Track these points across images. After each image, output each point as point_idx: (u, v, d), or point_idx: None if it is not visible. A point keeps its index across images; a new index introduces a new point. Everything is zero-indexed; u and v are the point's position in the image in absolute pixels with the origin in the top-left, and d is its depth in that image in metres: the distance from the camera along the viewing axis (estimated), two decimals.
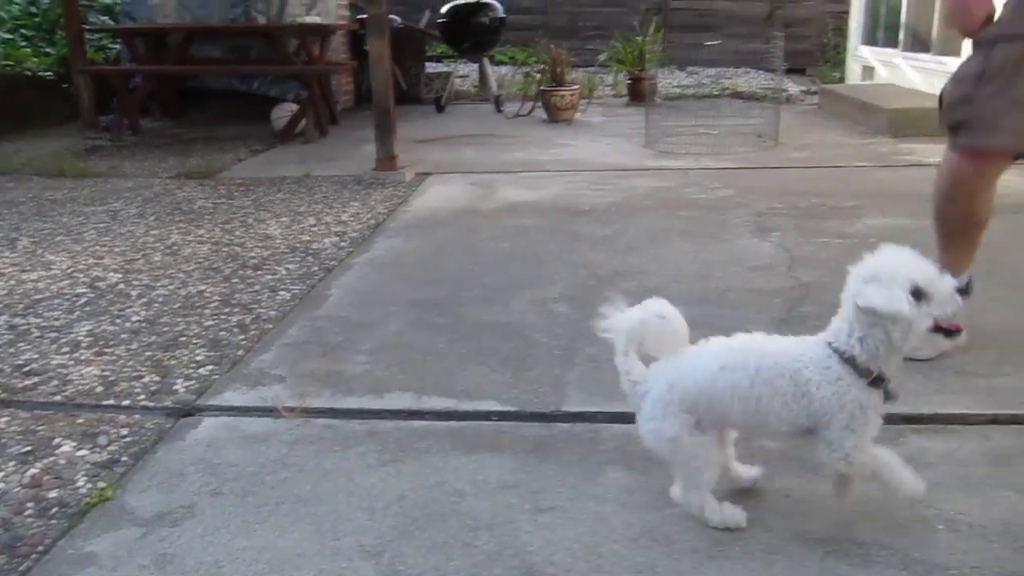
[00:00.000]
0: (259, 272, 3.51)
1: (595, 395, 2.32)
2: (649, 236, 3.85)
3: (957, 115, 2.45)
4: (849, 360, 1.64)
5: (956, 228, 2.60)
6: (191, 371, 2.57)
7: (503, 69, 11.07)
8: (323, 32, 7.29)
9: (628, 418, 2.16)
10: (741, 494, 1.85)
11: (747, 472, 1.88)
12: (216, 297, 3.23)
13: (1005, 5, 2.38)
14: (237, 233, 4.13)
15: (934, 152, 5.71)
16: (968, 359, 2.53)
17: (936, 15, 7.21)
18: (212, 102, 8.46)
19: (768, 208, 4.29)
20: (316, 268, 3.53)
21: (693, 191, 4.75)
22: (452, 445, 2.08)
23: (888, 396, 1.69)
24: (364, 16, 8.08)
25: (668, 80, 10.26)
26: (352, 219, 4.31)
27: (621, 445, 2.07)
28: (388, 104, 5.21)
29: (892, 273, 1.59)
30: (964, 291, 2.64)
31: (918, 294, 1.56)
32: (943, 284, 1.59)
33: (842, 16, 10.23)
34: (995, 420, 2.19)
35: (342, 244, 3.87)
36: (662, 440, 1.71)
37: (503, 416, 2.23)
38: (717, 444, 1.75)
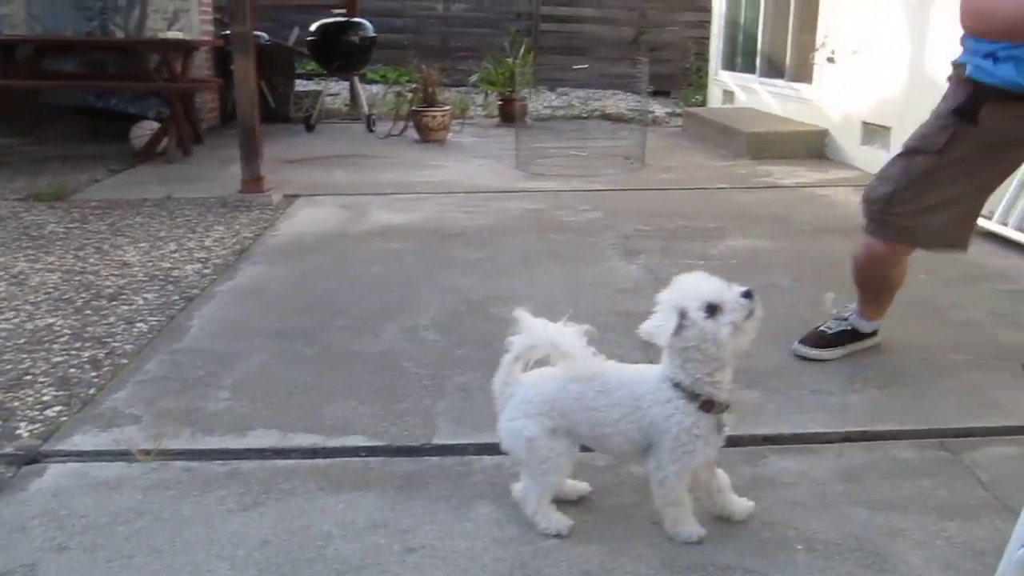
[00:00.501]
0: (114, 303, 3.33)
1: (465, 426, 2.30)
2: (521, 259, 3.87)
3: (875, 211, 2.65)
4: (677, 385, 1.74)
5: (871, 289, 2.84)
6: (36, 413, 2.41)
7: (375, 88, 10.97)
8: (186, 48, 7.04)
9: (498, 449, 2.15)
10: (609, 522, 1.88)
11: (576, 487, 1.98)
12: (66, 330, 3.05)
13: (929, 118, 2.56)
14: (91, 260, 3.92)
15: (790, 174, 6.04)
16: (823, 377, 2.65)
17: (789, 44, 7.60)
18: (67, 119, 8.04)
19: (635, 230, 4.39)
20: (177, 297, 3.38)
21: (564, 213, 4.82)
22: (318, 485, 2.02)
23: (720, 426, 1.79)
24: (229, 32, 7.89)
25: (539, 101, 10.41)
26: (216, 244, 4.16)
27: (491, 478, 2.06)
28: (254, 124, 5.08)
29: (668, 300, 1.71)
30: (871, 334, 2.87)
31: (712, 308, 1.68)
32: (731, 294, 1.72)
33: (703, 42, 10.65)
34: (848, 438, 2.29)
35: (205, 271, 3.72)
36: (520, 439, 1.80)
37: (372, 451, 2.18)
38: (568, 455, 1.83)
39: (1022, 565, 1.40)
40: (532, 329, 1.85)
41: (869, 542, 1.83)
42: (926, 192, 2.52)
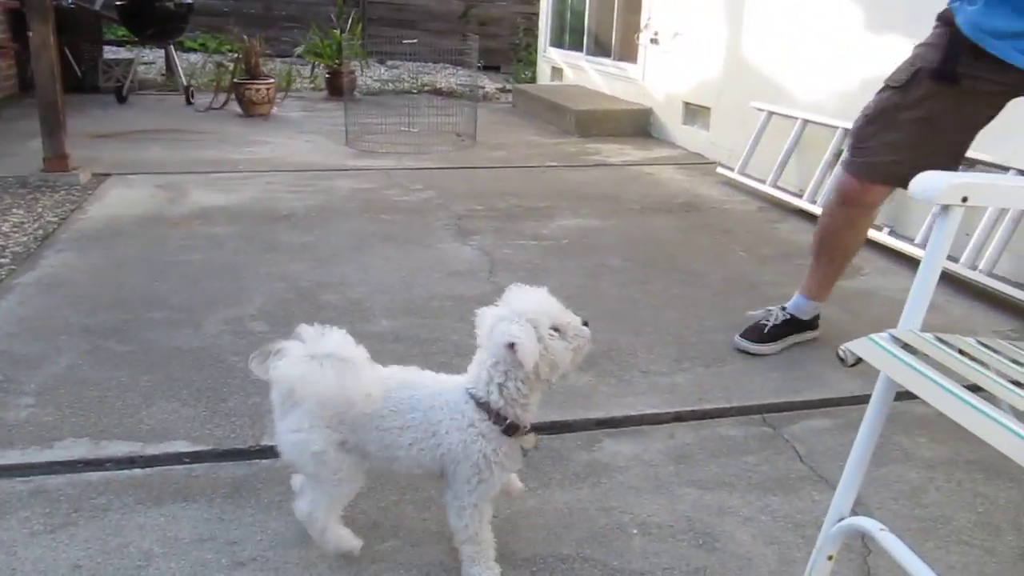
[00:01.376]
0: None
1: None
2: (352, 243, 3.76)
3: (850, 144, 2.62)
4: (483, 406, 1.59)
5: (825, 255, 2.81)
6: None
7: (194, 57, 10.43)
8: None
9: None
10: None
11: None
12: None
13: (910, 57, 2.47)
14: None
15: (617, 152, 6.18)
16: (652, 357, 2.72)
17: (615, 24, 7.76)
18: None
19: (468, 210, 4.37)
20: None
21: (395, 193, 4.73)
22: (136, 498, 1.88)
23: (523, 451, 1.68)
24: None
25: (368, 74, 10.19)
26: (14, 230, 3.80)
27: None
28: (55, 97, 4.67)
29: (518, 312, 1.55)
30: (811, 324, 2.87)
31: (557, 330, 1.56)
32: (573, 319, 1.60)
33: (532, 18, 10.73)
34: (678, 417, 2.36)
35: (1, 261, 3.39)
36: (306, 453, 1.59)
37: (196, 457, 2.05)
38: (361, 466, 1.66)
39: (838, 537, 1.48)
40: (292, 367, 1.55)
41: (700, 522, 1.89)
42: (887, 128, 2.47)
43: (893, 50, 4.14)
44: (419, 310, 3.01)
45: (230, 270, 3.36)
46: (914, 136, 2.43)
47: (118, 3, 7.90)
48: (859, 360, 1.38)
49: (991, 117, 2.42)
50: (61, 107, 4.71)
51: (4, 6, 7.41)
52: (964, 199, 1.39)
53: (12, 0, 7.52)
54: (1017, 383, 1.33)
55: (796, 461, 2.16)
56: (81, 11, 8.40)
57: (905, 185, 1.51)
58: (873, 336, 1.39)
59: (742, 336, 2.82)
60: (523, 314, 1.55)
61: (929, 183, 1.40)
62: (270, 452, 2.07)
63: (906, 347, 1.39)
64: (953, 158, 2.47)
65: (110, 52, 9.43)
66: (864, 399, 2.43)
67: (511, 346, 1.52)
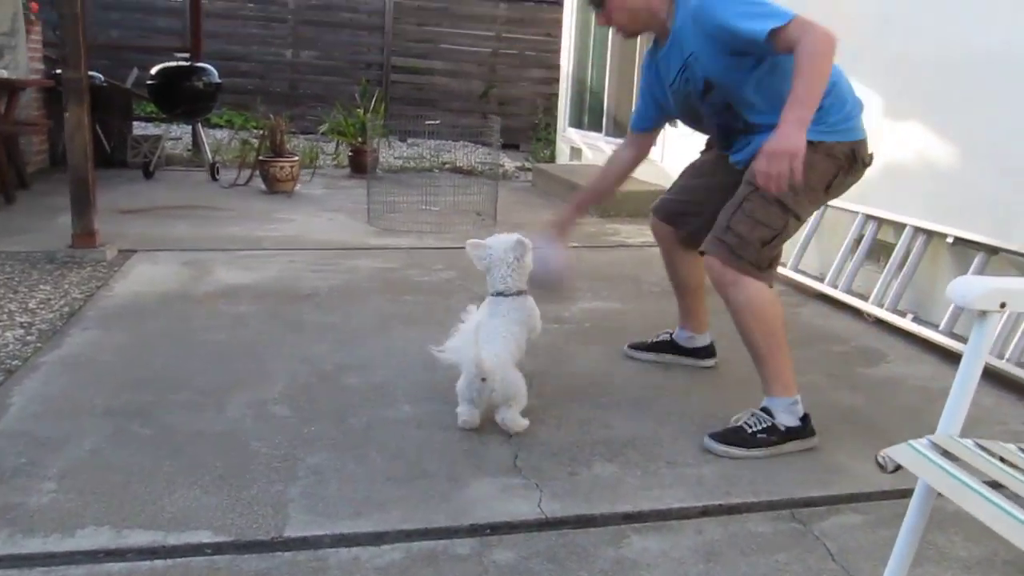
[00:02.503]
0: None
1: (319, 515, 2.18)
2: (374, 324, 3.77)
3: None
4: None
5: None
6: None
7: (219, 133, 10.65)
8: (11, 87, 6.59)
9: (356, 540, 2.07)
10: None
11: None
12: None
13: None
14: None
15: (637, 233, 6.21)
16: (678, 448, 2.68)
17: (634, 106, 7.88)
18: None
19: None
20: None
21: (416, 273, 4.76)
22: None
23: None
24: (61, 72, 7.45)
25: (389, 151, 10.36)
26: (41, 306, 3.84)
27: (348, 573, 1.94)
28: (87, 175, 4.77)
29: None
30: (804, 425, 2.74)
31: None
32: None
33: (552, 98, 10.93)
34: (705, 512, 2.32)
35: (28, 338, 3.42)
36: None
37: (218, 548, 2.02)
38: None
39: None
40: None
41: None
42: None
43: (914, 134, 4.20)
44: (442, 396, 2.99)
45: (253, 350, 3.37)
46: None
47: (149, 82, 8.11)
48: (899, 467, 1.36)
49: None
50: (92, 185, 4.80)
51: (39, 84, 7.62)
52: (1002, 305, 1.38)
53: (47, 79, 7.74)
54: None
55: (828, 560, 2.11)
56: (113, 88, 8.63)
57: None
58: (912, 442, 1.37)
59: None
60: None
61: (967, 288, 1.40)
62: (293, 544, 2.05)
63: (945, 454, 1.37)
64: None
65: (138, 128, 9.65)
66: (895, 494, 2.42)
67: (520, 242, 2.82)
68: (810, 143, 2.41)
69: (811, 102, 2.40)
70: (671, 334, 3.48)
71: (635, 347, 3.53)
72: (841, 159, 2.66)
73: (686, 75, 2.78)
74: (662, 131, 3.29)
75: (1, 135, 6.37)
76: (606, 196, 3.48)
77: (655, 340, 3.51)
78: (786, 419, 2.68)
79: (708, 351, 3.45)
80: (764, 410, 2.70)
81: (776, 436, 2.66)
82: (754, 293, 2.63)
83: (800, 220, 2.71)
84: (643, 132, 3.20)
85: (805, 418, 2.71)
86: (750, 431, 2.67)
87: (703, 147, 3.29)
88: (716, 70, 2.68)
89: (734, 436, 2.67)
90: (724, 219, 2.67)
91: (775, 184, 2.38)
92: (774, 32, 2.45)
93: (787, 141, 2.35)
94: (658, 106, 3.08)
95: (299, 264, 4.84)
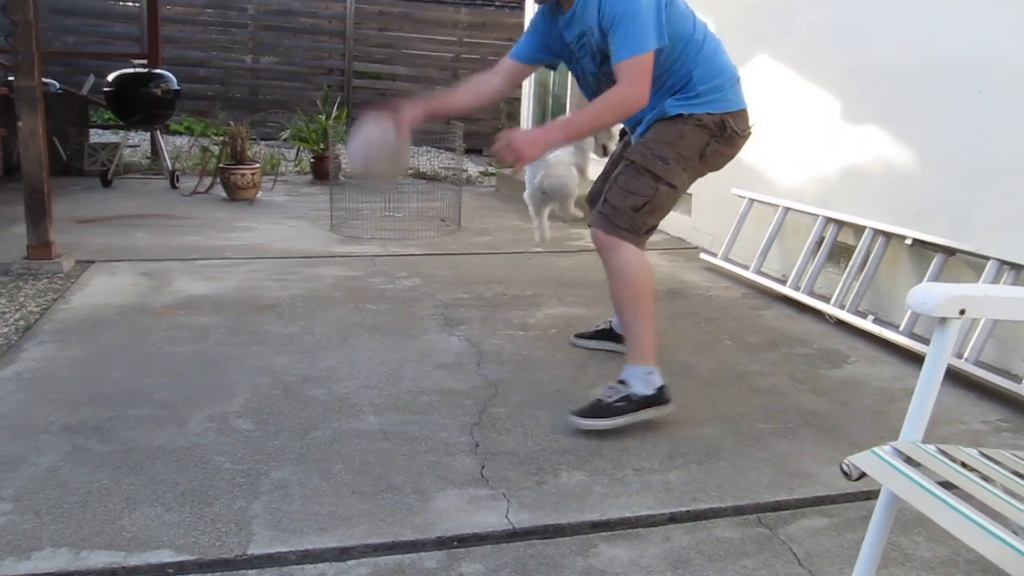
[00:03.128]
0: None
1: (284, 531, 2.14)
2: (338, 334, 3.73)
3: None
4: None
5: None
6: None
7: (179, 140, 10.52)
8: None
9: (322, 556, 2.04)
10: None
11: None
12: None
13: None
14: None
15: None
16: (644, 454, 2.68)
17: None
18: None
19: (454, 299, 4.37)
20: None
21: (381, 281, 4.72)
22: None
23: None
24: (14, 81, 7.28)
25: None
26: None
27: None
28: (42, 185, 4.67)
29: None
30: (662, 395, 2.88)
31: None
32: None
33: (514, 103, 10.92)
34: (673, 519, 2.32)
35: None
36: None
37: (180, 568, 1.98)
38: None
39: None
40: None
41: None
42: None
43: (871, 139, 4.26)
44: (407, 405, 2.97)
45: (214, 363, 3.32)
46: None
47: (106, 89, 7.97)
48: (863, 474, 1.37)
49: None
50: (48, 195, 4.70)
51: None
52: (962, 311, 1.40)
53: (1, 87, 7.58)
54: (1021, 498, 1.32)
55: (795, 564, 2.12)
56: (68, 96, 8.48)
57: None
58: (876, 450, 1.38)
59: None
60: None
61: (926, 295, 1.41)
62: (257, 562, 2.02)
63: (908, 460, 1.38)
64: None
65: (95, 135, 9.50)
66: (859, 496, 2.44)
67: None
68: (680, 115, 2.84)
69: (569, 133, 2.81)
70: (610, 322, 3.61)
71: (580, 336, 3.72)
72: (712, 128, 2.87)
73: (583, 42, 2.90)
74: None
75: None
76: (456, 110, 3.42)
77: (596, 329, 3.69)
78: (641, 388, 2.82)
79: None
80: (621, 381, 2.84)
81: (632, 404, 2.80)
82: (629, 259, 2.82)
83: (675, 188, 2.88)
84: (520, 63, 3.18)
85: (661, 388, 2.86)
86: (607, 402, 2.80)
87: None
88: (608, 49, 2.79)
89: (593, 410, 2.80)
90: (604, 194, 2.92)
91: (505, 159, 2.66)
92: (619, 62, 2.68)
93: (527, 144, 2.64)
94: (545, 45, 3.10)
95: (261, 273, 4.78)
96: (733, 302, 4.60)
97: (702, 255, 5.49)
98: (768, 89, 5.18)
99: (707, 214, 5.93)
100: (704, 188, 6.03)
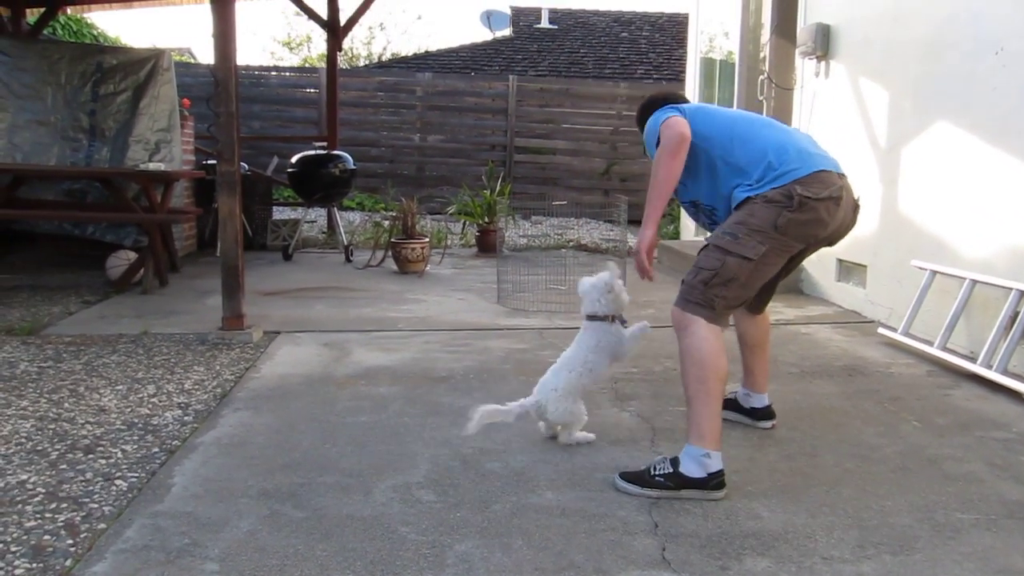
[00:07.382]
0: (91, 455, 3.19)
1: None
2: None
3: None
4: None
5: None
6: None
7: (352, 216, 11.10)
8: (166, 179, 7.07)
9: None
10: None
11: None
12: (40, 488, 2.89)
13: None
14: (66, 405, 3.78)
15: (770, 310, 6.05)
16: (833, 542, 2.56)
17: None
18: (39, 247, 7.99)
19: (623, 373, 4.36)
20: (157, 449, 3.25)
21: (549, 354, 4.76)
22: None
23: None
24: (211, 162, 7.96)
25: (513, 230, 10.54)
26: (196, 387, 4.05)
27: None
28: (237, 262, 5.04)
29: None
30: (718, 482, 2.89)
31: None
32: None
33: None
34: None
35: (186, 419, 3.60)
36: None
37: None
38: None
39: None
40: None
41: None
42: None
43: None
44: (583, 481, 2.97)
45: (395, 433, 3.44)
46: None
47: (289, 169, 8.57)
48: None
49: None
50: (241, 271, 5.07)
51: (191, 175, 8.14)
52: None
53: (199, 171, 8.28)
54: None
55: None
56: (256, 176, 9.15)
57: None
58: None
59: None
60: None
61: None
62: None
63: None
64: None
65: (277, 212, 10.17)
66: None
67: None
68: (748, 199, 2.96)
69: (651, 215, 3.05)
70: (736, 393, 3.66)
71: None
72: (780, 199, 2.91)
73: None
74: None
75: (158, 223, 6.82)
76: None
77: (725, 398, 3.56)
78: (692, 469, 2.83)
79: (765, 413, 3.60)
80: (675, 458, 2.87)
81: (673, 482, 2.83)
82: (699, 341, 2.90)
83: (749, 259, 2.90)
84: None
85: (715, 474, 2.83)
86: (651, 473, 2.86)
87: None
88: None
89: (636, 475, 2.89)
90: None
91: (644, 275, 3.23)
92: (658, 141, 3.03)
93: (640, 254, 3.14)
94: None
95: (434, 345, 4.94)
96: (917, 380, 4.36)
97: (880, 329, 5.26)
98: (949, 157, 4.98)
99: (883, 286, 5.69)
100: (879, 258, 5.83)
